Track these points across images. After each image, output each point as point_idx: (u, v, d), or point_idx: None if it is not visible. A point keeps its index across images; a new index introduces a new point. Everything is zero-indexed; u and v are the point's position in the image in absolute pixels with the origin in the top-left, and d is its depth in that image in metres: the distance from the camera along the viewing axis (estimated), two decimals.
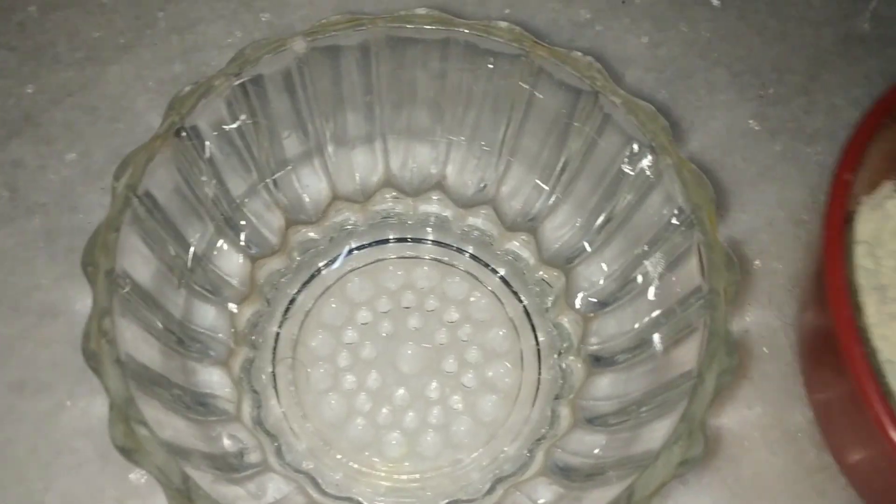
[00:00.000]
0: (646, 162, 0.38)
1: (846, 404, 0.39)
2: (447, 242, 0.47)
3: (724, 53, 0.56)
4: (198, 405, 0.38)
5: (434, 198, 0.47)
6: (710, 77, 0.55)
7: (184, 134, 0.37)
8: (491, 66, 0.40)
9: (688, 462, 0.31)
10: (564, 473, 0.39)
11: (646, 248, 0.40)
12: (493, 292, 0.46)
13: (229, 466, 0.37)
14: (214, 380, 0.40)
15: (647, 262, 0.39)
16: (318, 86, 0.41)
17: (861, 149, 0.38)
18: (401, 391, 0.43)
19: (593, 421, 0.40)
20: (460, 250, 0.47)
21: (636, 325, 0.40)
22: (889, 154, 0.44)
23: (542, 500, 0.38)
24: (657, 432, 0.33)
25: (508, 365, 0.44)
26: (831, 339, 0.35)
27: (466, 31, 0.39)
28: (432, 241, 0.47)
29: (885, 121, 0.39)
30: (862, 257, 0.43)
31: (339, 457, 0.42)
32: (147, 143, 0.35)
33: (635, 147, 0.39)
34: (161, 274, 0.38)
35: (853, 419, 0.38)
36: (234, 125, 0.39)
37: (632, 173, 0.39)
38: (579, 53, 0.38)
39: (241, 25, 0.55)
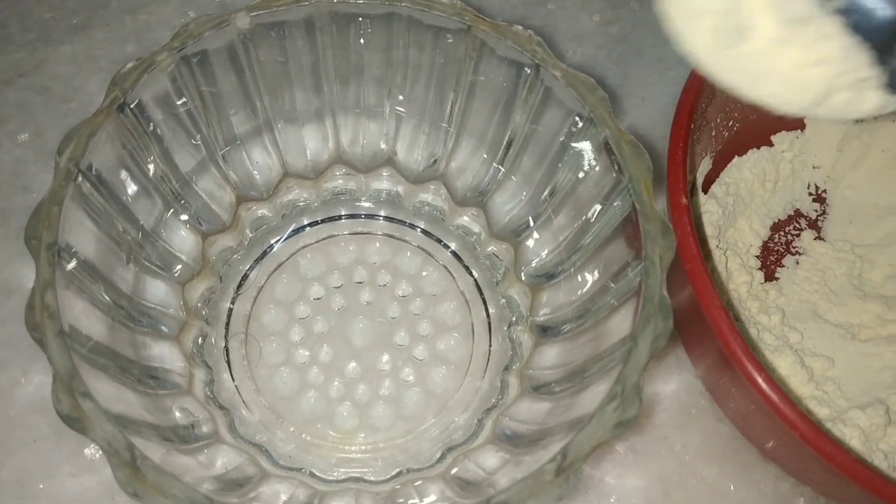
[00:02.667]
0: (586, 135, 0.39)
1: (717, 363, 0.40)
2: (399, 218, 0.48)
3: None
4: (148, 378, 0.38)
5: (385, 174, 0.47)
6: (660, 54, 0.56)
7: (128, 109, 0.37)
8: (434, 40, 0.41)
9: (623, 423, 0.32)
10: (511, 440, 0.39)
11: (588, 219, 0.40)
12: (444, 266, 0.47)
13: (180, 438, 0.37)
14: (166, 354, 0.41)
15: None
16: (264, 62, 0.41)
17: (687, 132, 0.40)
18: (353, 364, 0.44)
19: (539, 389, 0.41)
20: (412, 226, 0.48)
21: (580, 294, 0.41)
22: (707, 134, 0.46)
23: (488, 466, 0.39)
24: (596, 397, 0.34)
25: (459, 337, 0.45)
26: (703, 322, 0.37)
27: (409, 5, 0.39)
28: (384, 216, 0.48)
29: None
30: (708, 243, 0.45)
31: (291, 429, 0.42)
32: (90, 118, 0.35)
33: (577, 120, 0.39)
34: (108, 249, 0.38)
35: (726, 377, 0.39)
36: (180, 101, 0.40)
37: (573, 146, 0.40)
38: (520, 27, 0.39)
39: (195, 5, 0.55)
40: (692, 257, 0.36)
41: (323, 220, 0.47)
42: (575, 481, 0.31)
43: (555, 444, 0.34)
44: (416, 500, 0.38)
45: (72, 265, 0.34)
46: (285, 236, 0.47)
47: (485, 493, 0.36)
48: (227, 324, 0.44)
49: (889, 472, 0.41)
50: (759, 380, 0.34)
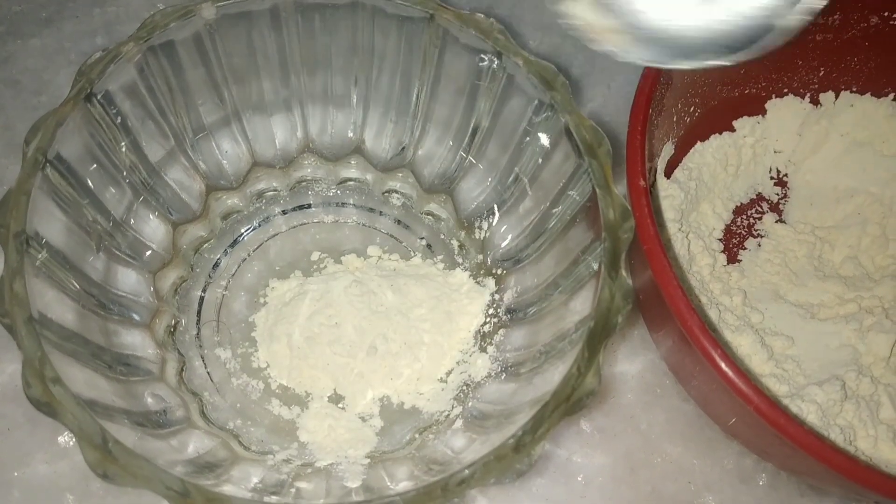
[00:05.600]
0: (547, 121, 0.40)
1: (678, 343, 0.41)
2: (369, 206, 0.48)
3: None
4: (120, 365, 0.39)
5: (353, 162, 0.48)
6: None
7: (95, 99, 0.37)
8: (398, 30, 0.41)
9: (582, 401, 0.33)
10: (479, 421, 0.40)
11: (552, 203, 0.41)
12: (414, 253, 0.47)
13: (153, 423, 0.38)
14: (137, 341, 0.41)
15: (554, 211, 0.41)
16: (231, 52, 0.42)
17: (646, 117, 0.40)
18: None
19: (507, 370, 0.42)
20: (381, 213, 0.48)
21: (544, 277, 0.42)
22: (668, 120, 0.47)
23: (456, 446, 0.40)
24: (558, 376, 0.35)
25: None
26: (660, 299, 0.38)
27: None
28: (353, 204, 0.48)
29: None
30: (671, 226, 0.46)
31: (263, 415, 0.43)
32: (57, 109, 0.36)
33: (539, 107, 0.40)
34: (78, 238, 0.38)
35: (687, 356, 0.40)
36: (147, 92, 0.40)
37: (536, 133, 0.41)
38: (482, 15, 0.40)
39: None
40: (649, 238, 0.37)
41: (292, 209, 0.48)
42: (535, 458, 0.32)
43: (520, 422, 0.35)
44: (386, 480, 0.39)
45: (41, 254, 0.35)
46: (255, 225, 0.47)
47: (451, 470, 0.37)
48: (199, 311, 0.45)
49: (845, 446, 0.42)
50: (716, 356, 0.35)
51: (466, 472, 0.32)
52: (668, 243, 0.46)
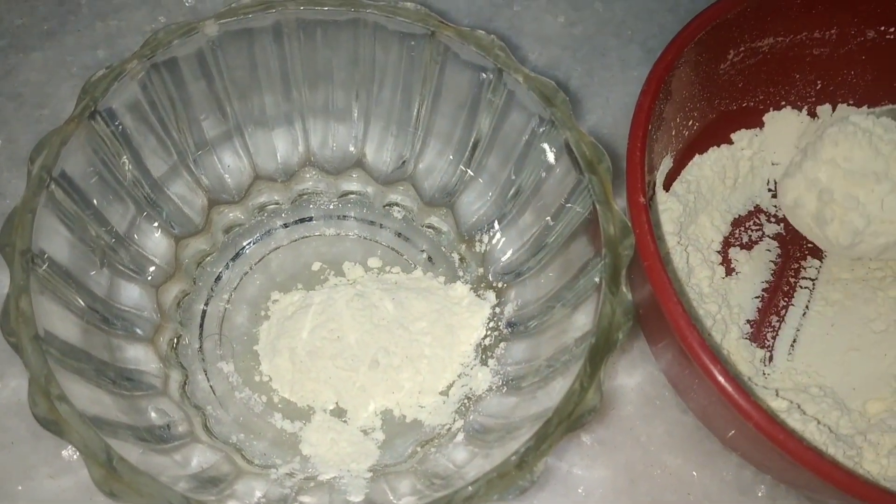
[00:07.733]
0: (547, 137, 0.40)
1: (677, 356, 0.41)
2: (370, 219, 0.49)
3: (637, 31, 0.58)
4: (124, 380, 0.39)
5: (354, 176, 0.48)
6: (623, 54, 0.57)
7: (99, 117, 0.38)
8: (399, 45, 0.42)
9: (584, 417, 0.33)
10: (481, 435, 0.41)
11: (552, 218, 0.42)
12: (414, 266, 0.48)
13: (156, 438, 0.38)
14: (141, 356, 0.41)
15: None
16: (233, 68, 0.42)
17: (645, 133, 0.41)
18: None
19: (508, 384, 0.42)
20: (382, 226, 0.49)
21: (545, 291, 0.42)
22: (667, 134, 0.47)
23: (458, 460, 0.40)
24: (559, 391, 0.35)
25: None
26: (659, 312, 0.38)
27: (374, 12, 0.40)
28: (355, 217, 0.49)
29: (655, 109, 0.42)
30: (669, 239, 0.46)
31: (265, 427, 0.43)
32: (61, 126, 0.36)
33: (539, 122, 0.40)
34: (82, 254, 0.39)
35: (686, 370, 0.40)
36: (150, 108, 0.40)
37: (536, 148, 0.41)
38: (482, 32, 0.40)
39: (166, 11, 0.55)
40: (650, 255, 0.37)
41: (294, 222, 0.48)
42: (537, 474, 0.33)
43: (521, 437, 0.35)
44: (389, 494, 0.39)
45: (45, 270, 0.35)
46: (257, 238, 0.48)
47: (454, 486, 0.38)
48: (201, 325, 0.45)
49: (844, 461, 0.42)
50: (716, 372, 0.36)
51: (470, 488, 0.32)
52: (666, 257, 0.46)
